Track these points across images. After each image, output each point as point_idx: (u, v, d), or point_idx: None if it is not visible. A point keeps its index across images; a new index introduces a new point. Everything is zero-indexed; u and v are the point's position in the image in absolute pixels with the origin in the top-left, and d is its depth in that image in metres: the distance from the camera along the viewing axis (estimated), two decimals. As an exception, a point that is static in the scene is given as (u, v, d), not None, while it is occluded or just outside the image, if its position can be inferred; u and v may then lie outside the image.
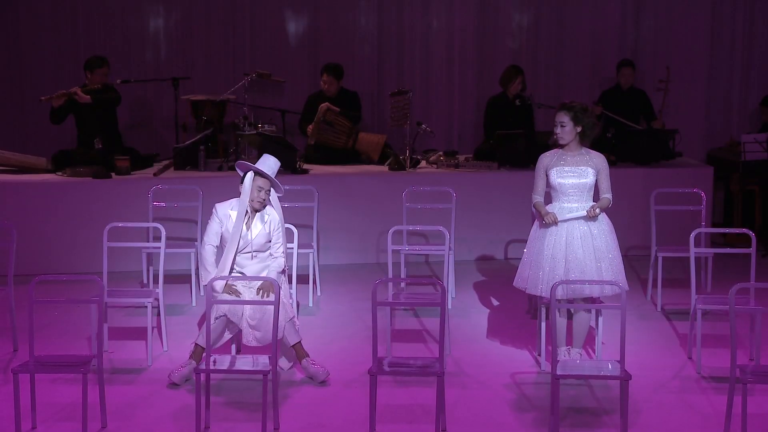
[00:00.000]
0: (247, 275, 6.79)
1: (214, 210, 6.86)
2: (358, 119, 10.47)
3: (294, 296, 7.48)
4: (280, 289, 6.05)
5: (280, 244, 6.91)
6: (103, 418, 6.01)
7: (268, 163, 6.79)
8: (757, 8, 11.55)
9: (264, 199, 6.77)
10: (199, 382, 5.85)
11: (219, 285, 6.64)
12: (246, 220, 6.79)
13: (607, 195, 6.76)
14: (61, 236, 9.31)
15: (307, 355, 6.79)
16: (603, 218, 6.75)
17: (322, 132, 10.13)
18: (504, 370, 6.93)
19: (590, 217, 6.67)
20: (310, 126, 10.20)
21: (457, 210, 8.75)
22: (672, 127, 10.65)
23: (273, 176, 6.77)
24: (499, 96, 10.47)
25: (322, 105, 10.15)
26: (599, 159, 6.73)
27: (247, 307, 6.59)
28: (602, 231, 6.70)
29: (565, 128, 6.63)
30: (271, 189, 6.84)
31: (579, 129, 6.62)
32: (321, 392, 6.56)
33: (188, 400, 6.30)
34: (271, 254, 6.90)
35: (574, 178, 6.69)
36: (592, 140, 6.77)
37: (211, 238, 6.84)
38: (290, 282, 7.37)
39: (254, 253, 6.84)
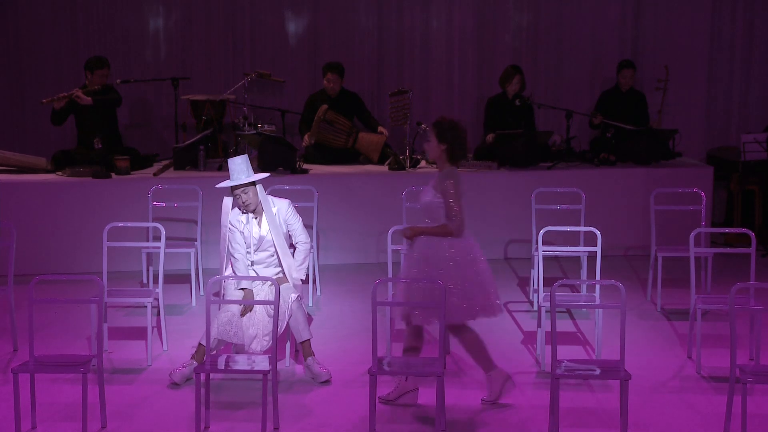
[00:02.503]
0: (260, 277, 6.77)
1: (227, 223, 6.82)
2: (372, 120, 10.50)
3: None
4: (279, 292, 6.04)
5: (297, 225, 6.94)
6: (103, 418, 6.01)
7: (235, 170, 6.66)
8: (757, 8, 11.55)
9: (246, 201, 6.72)
10: (199, 382, 5.85)
11: (233, 292, 6.67)
12: (257, 221, 6.79)
13: (447, 221, 6.26)
14: (61, 236, 9.31)
15: (313, 355, 6.79)
16: (437, 246, 6.27)
17: (322, 131, 10.13)
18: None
19: (405, 236, 6.37)
20: (308, 134, 10.20)
21: (457, 210, 8.74)
22: (672, 127, 10.65)
23: (247, 176, 6.68)
24: (498, 96, 10.46)
25: (322, 106, 10.15)
26: (447, 184, 6.22)
27: (252, 322, 6.59)
28: (432, 257, 6.26)
29: (430, 144, 6.37)
30: (257, 185, 6.79)
31: (444, 147, 6.31)
32: (321, 392, 6.56)
33: (188, 399, 6.30)
34: (297, 243, 6.95)
35: (422, 195, 6.42)
36: (460, 161, 6.36)
37: (236, 248, 6.80)
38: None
39: (272, 251, 6.80)
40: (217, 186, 6.86)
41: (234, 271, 6.83)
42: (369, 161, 10.26)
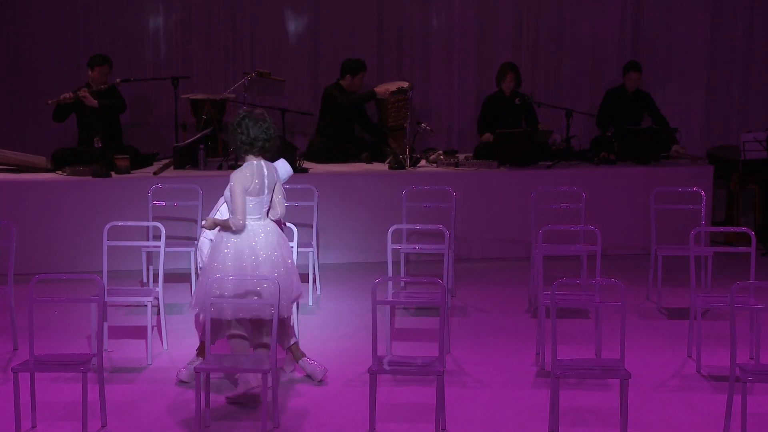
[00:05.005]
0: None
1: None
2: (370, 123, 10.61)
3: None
4: (279, 291, 6.03)
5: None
6: (103, 417, 6.01)
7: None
8: (757, 7, 11.55)
9: None
10: (199, 381, 5.86)
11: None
12: None
13: (231, 216, 6.31)
14: (61, 235, 9.31)
15: (304, 355, 6.79)
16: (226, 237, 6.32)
17: (394, 106, 10.24)
18: (504, 370, 6.93)
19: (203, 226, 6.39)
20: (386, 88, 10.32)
21: (457, 209, 8.75)
22: (673, 126, 10.65)
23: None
24: (495, 94, 10.48)
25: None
26: (233, 179, 6.26)
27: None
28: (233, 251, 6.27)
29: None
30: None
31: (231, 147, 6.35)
32: (321, 391, 6.56)
33: (188, 398, 6.30)
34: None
35: (226, 188, 6.44)
36: (240, 154, 6.40)
37: None
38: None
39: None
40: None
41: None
42: (373, 159, 10.29)
